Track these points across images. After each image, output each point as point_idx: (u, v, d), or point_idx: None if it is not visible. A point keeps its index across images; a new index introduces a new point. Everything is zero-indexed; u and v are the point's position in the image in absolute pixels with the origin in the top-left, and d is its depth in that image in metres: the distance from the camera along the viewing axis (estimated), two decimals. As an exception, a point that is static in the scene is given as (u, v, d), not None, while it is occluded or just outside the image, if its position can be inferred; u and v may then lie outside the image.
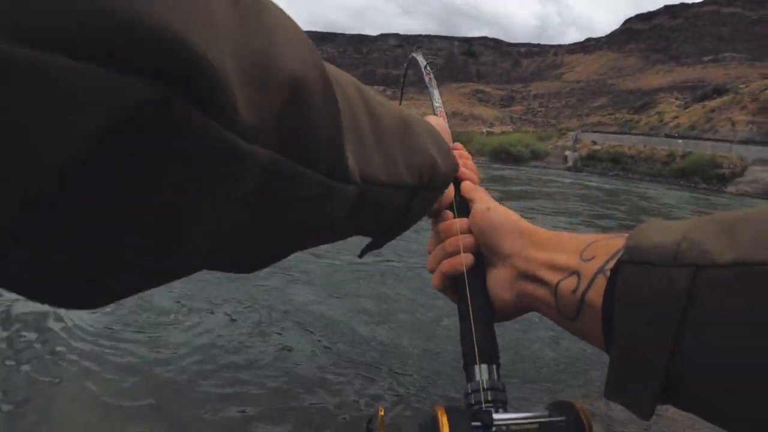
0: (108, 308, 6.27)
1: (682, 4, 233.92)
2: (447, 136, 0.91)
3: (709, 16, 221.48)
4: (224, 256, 0.39)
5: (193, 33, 0.25)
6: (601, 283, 0.57)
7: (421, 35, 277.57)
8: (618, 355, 0.54)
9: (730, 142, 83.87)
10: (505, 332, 5.71)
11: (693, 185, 72.25)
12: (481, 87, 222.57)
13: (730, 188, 71.48)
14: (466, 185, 0.86)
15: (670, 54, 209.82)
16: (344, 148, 0.45)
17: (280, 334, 5.71)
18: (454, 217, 0.84)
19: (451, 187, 0.86)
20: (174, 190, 0.28)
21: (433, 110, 1.13)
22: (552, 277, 0.65)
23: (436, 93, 1.21)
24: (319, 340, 5.40)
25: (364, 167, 0.50)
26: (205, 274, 5.62)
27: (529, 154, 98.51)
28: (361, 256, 0.77)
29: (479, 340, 0.72)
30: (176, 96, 0.24)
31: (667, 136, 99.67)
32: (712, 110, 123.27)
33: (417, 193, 0.65)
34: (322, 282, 7.34)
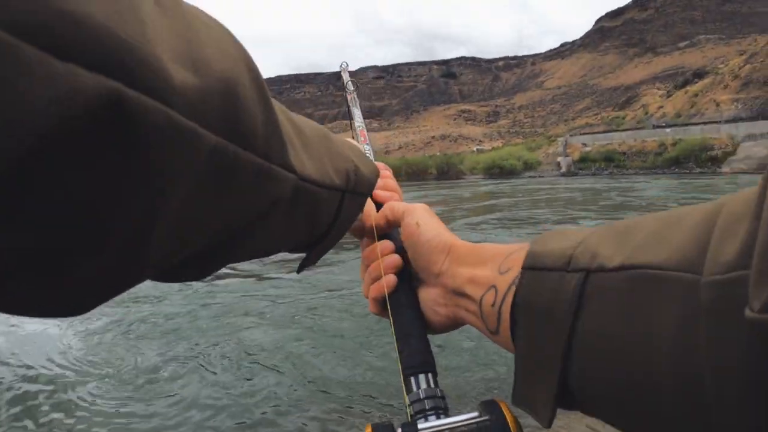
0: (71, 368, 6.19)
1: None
2: (361, 153, 0.89)
3: (678, 2, 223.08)
4: (175, 251, 0.40)
5: (120, 23, 0.27)
6: (511, 294, 0.58)
7: (399, 63, 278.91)
8: (519, 361, 0.56)
9: (718, 123, 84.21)
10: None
11: (688, 171, 72.43)
12: (465, 106, 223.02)
13: (725, 168, 71.58)
14: (390, 205, 0.87)
15: (645, 46, 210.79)
16: (283, 139, 0.49)
17: (246, 371, 5.85)
18: (375, 240, 0.86)
19: (374, 211, 0.88)
20: (132, 175, 0.29)
21: (353, 130, 1.15)
22: (476, 292, 0.66)
23: (357, 112, 1.21)
24: (277, 373, 5.69)
25: (300, 166, 0.53)
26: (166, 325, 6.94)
27: (522, 166, 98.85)
28: (299, 271, 0.80)
29: (412, 353, 0.74)
30: (122, 82, 0.26)
31: (655, 126, 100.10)
32: (695, 94, 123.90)
33: (346, 196, 0.69)
34: (278, 320, 7.59)
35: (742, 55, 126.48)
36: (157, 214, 0.34)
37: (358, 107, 1.25)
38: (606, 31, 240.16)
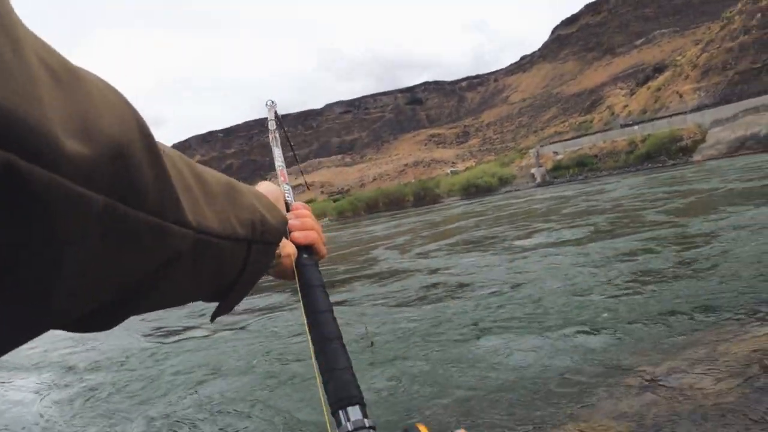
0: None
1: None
2: (278, 195, 0.98)
3: (630, 2, 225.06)
4: (79, 304, 0.44)
5: (17, 101, 0.32)
6: None
7: (365, 96, 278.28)
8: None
9: (684, 114, 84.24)
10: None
11: (661, 165, 72.30)
12: (435, 130, 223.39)
13: (696, 157, 71.52)
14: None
15: (603, 49, 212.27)
16: (177, 197, 0.52)
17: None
18: (296, 280, 0.91)
19: (294, 252, 0.94)
20: (25, 236, 0.34)
21: (276, 169, 1.17)
22: None
23: (278, 152, 1.24)
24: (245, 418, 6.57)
25: (200, 219, 0.57)
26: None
27: (498, 182, 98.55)
28: (212, 319, 0.83)
29: (339, 386, 0.78)
30: (16, 154, 0.31)
31: (623, 126, 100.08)
32: (658, 89, 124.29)
33: (253, 246, 0.72)
34: (234, 369, 8.56)
35: (698, 44, 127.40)
36: (54, 272, 0.37)
37: (279, 147, 1.27)
38: (563, 38, 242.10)
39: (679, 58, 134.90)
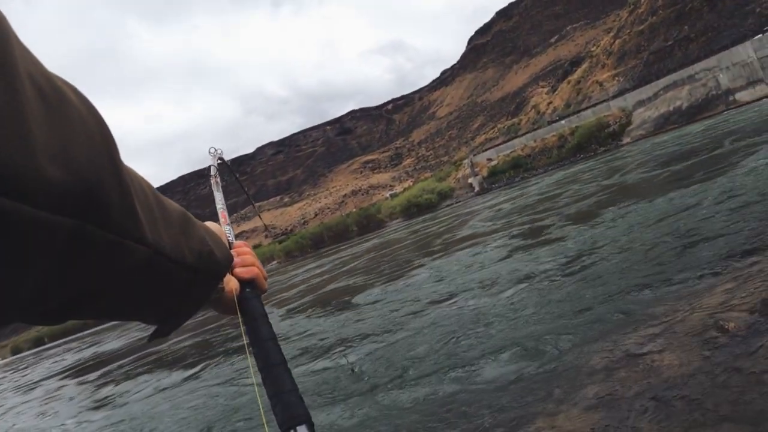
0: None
1: (510, 4, 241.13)
2: (221, 233, 1.06)
3: (539, 2, 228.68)
4: (38, 305, 0.51)
5: (7, 145, 0.40)
6: None
7: (295, 133, 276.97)
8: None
9: (607, 101, 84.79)
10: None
11: (593, 153, 72.57)
12: (368, 157, 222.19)
13: (626, 140, 71.79)
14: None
15: (520, 51, 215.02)
16: (139, 218, 0.59)
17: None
18: (238, 315, 0.96)
19: (237, 287, 0.99)
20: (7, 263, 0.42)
21: (218, 212, 1.26)
22: None
23: (219, 196, 1.34)
24: None
25: (157, 240, 0.64)
26: None
27: (437, 197, 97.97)
28: (149, 340, 0.89)
29: (286, 408, 0.84)
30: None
31: (550, 122, 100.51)
32: (578, 82, 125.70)
33: (199, 275, 0.78)
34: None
35: (609, 33, 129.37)
36: (23, 279, 0.45)
37: (221, 191, 1.38)
38: (480, 48, 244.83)
39: (593, 48, 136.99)
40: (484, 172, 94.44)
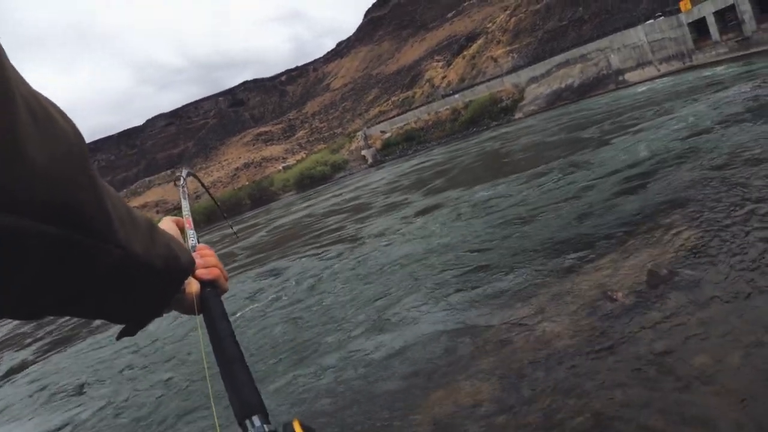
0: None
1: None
2: (179, 233, 1.16)
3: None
4: (21, 304, 0.58)
5: (4, 167, 0.46)
6: None
7: (186, 104, 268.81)
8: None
9: (500, 77, 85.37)
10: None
11: (486, 127, 73.02)
12: (261, 129, 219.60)
13: (518, 114, 72.51)
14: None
15: (416, 25, 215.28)
16: (113, 222, 0.65)
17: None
18: (196, 314, 1.01)
19: (198, 289, 1.04)
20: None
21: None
22: None
23: (185, 203, 1.44)
24: None
25: (129, 243, 0.70)
26: None
27: (330, 170, 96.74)
28: (118, 338, 0.94)
29: (242, 400, 0.88)
30: None
31: (443, 96, 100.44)
32: (473, 57, 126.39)
33: (163, 277, 0.84)
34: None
35: (506, 10, 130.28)
36: (14, 282, 0.52)
37: (187, 199, 1.47)
38: (377, 20, 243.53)
39: (489, 25, 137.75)
40: (378, 145, 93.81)
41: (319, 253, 16.29)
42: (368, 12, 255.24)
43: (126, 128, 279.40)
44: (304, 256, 16.79)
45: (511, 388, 5.09)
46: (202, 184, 1.93)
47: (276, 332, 9.95)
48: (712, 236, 6.79)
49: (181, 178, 1.58)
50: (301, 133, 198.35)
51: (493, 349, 5.93)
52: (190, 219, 1.32)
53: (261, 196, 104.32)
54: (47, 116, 0.54)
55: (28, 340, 19.22)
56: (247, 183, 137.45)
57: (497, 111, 76.19)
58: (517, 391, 5.00)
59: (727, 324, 4.80)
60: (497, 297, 7.33)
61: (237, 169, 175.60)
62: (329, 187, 69.95)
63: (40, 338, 18.98)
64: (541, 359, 5.36)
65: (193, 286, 1.02)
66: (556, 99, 68.96)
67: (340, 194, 44.00)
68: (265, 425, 0.85)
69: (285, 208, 55.01)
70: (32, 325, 22.46)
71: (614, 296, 6.01)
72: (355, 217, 22.54)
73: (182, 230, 1.23)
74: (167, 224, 1.17)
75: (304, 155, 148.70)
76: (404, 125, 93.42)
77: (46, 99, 0.56)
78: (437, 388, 5.56)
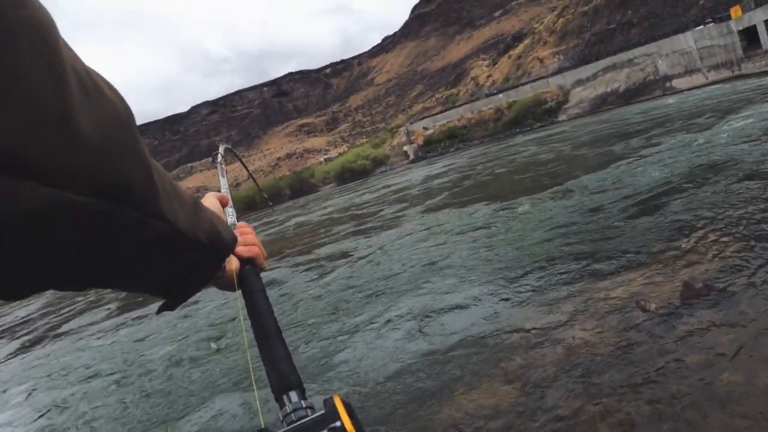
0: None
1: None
2: (221, 211, 1.17)
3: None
4: (69, 275, 0.58)
5: (57, 143, 0.47)
6: None
7: (231, 93, 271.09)
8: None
9: (545, 78, 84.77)
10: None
11: (529, 128, 72.60)
12: (304, 120, 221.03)
13: (562, 117, 71.82)
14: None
15: (463, 23, 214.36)
16: (160, 197, 0.66)
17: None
18: (237, 291, 1.05)
19: (238, 266, 1.07)
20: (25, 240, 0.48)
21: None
22: None
23: (224, 181, 1.43)
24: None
25: (175, 218, 0.70)
26: None
27: (371, 164, 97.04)
28: (158, 312, 0.95)
29: (280, 375, 0.91)
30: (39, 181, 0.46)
31: (488, 95, 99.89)
32: (518, 57, 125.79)
33: (206, 253, 0.84)
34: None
35: (554, 11, 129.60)
36: (55, 258, 0.53)
37: (225, 177, 1.46)
38: (423, 16, 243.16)
39: (537, 25, 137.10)
40: (420, 141, 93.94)
41: (357, 246, 16.59)
42: (415, 8, 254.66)
43: (170, 114, 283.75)
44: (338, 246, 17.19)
45: (533, 393, 5.06)
46: (240, 160, 1.89)
47: (315, 311, 10.28)
48: (750, 252, 6.65)
49: (219, 155, 1.56)
50: (343, 126, 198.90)
51: (519, 354, 5.89)
52: (229, 196, 1.30)
53: (301, 186, 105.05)
54: (97, 90, 0.55)
55: (76, 315, 19.95)
56: (288, 173, 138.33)
57: (541, 112, 75.87)
58: (540, 397, 4.96)
59: (760, 343, 4.69)
60: (528, 301, 7.32)
61: (279, 159, 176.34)
62: (369, 181, 69.82)
63: (78, 314, 19.79)
64: (567, 366, 5.30)
65: (233, 263, 1.04)
66: (602, 103, 68.43)
67: (391, 185, 44.28)
68: (302, 401, 0.86)
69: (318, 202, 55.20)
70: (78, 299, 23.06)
71: (647, 306, 5.94)
72: (394, 211, 22.86)
73: (224, 207, 1.23)
74: (210, 200, 1.15)
75: (346, 148, 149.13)
76: (447, 122, 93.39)
77: (96, 73, 0.57)
78: (461, 388, 5.56)
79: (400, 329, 7.87)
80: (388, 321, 8.35)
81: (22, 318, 24.09)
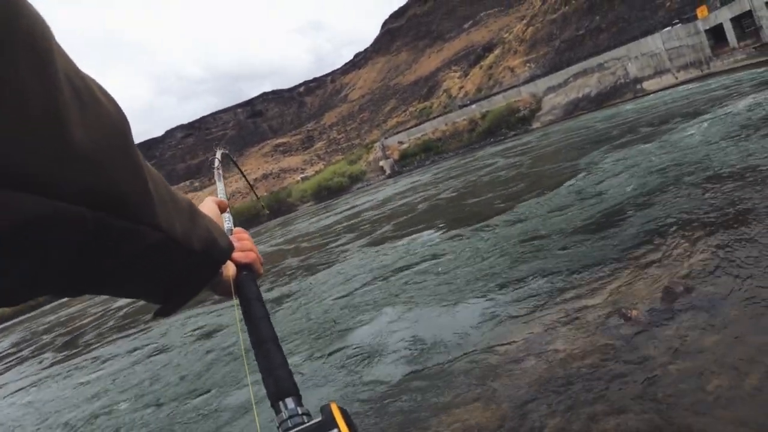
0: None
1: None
2: (219, 217, 1.18)
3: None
4: (60, 281, 0.57)
5: (47, 150, 0.46)
6: None
7: (205, 116, 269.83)
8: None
9: (517, 87, 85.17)
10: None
11: (503, 137, 72.90)
12: (279, 140, 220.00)
13: (535, 124, 72.27)
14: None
15: (433, 36, 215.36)
16: (154, 205, 0.65)
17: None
18: (233, 296, 1.04)
19: (235, 273, 1.08)
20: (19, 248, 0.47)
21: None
22: None
23: (221, 185, 1.44)
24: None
25: (170, 227, 0.70)
26: None
27: (348, 181, 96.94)
28: (153, 318, 0.97)
29: (276, 382, 0.91)
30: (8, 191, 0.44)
31: (461, 106, 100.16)
32: (490, 67, 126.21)
33: (202, 260, 0.83)
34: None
35: (523, 20, 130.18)
36: (47, 267, 0.52)
37: (222, 181, 1.48)
38: (394, 31, 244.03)
39: (506, 35, 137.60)
40: (396, 155, 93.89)
41: (347, 258, 16.51)
42: (385, 23, 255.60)
43: (145, 139, 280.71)
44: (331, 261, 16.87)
45: (519, 409, 4.96)
46: (236, 165, 1.89)
47: (310, 319, 10.38)
48: (728, 252, 6.59)
49: (216, 160, 1.54)
50: (319, 144, 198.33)
51: (502, 370, 5.80)
52: (226, 201, 1.28)
53: (279, 207, 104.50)
54: (91, 96, 0.54)
55: (80, 324, 19.96)
56: (265, 194, 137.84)
57: (515, 121, 76.18)
58: (526, 414, 4.86)
59: (745, 345, 4.63)
60: (508, 315, 7.22)
61: (255, 179, 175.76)
62: (346, 198, 69.98)
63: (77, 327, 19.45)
64: (552, 380, 5.22)
65: (229, 269, 1.04)
66: (574, 108, 68.91)
67: (365, 202, 44.39)
68: (298, 407, 0.86)
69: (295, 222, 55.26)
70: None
71: (629, 314, 5.84)
72: (379, 229, 22.63)
73: (223, 212, 1.23)
74: (209, 205, 1.16)
75: (322, 166, 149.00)
76: (422, 136, 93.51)
77: (91, 79, 0.56)
78: (445, 406, 5.48)
79: (378, 351, 7.74)
80: (362, 343, 8.25)
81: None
